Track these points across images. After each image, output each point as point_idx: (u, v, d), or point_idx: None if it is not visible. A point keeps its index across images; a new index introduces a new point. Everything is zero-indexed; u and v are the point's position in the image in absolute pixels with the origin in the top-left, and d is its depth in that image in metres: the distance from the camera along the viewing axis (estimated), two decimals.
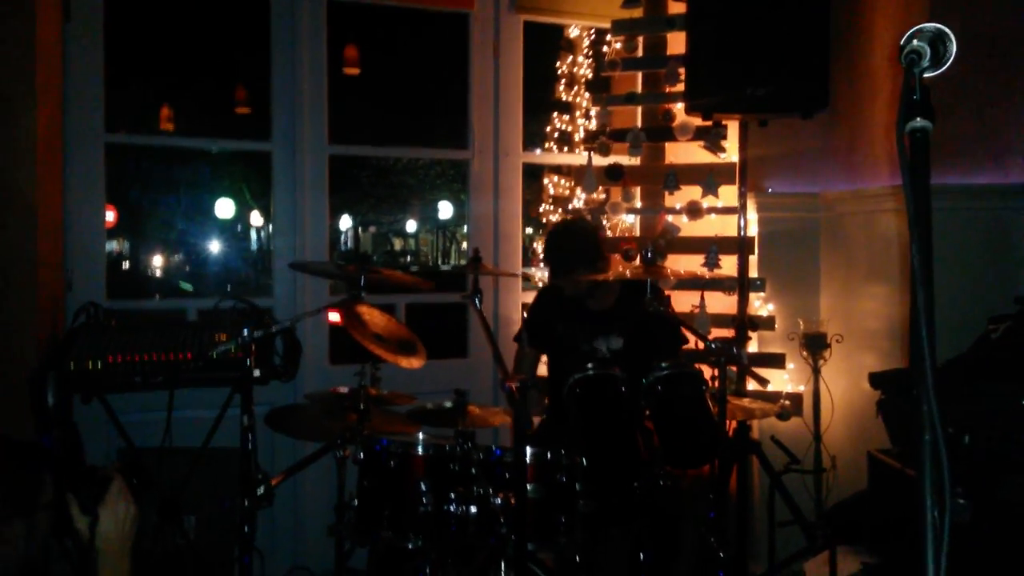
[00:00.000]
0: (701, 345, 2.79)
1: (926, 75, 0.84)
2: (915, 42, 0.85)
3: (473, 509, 2.35)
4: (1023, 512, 1.92)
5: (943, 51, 0.85)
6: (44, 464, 1.67)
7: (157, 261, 14.97)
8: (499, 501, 2.30)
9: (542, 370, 3.57)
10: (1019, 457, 1.96)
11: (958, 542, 0.83)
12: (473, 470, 2.36)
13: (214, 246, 15.61)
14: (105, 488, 1.67)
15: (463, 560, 2.41)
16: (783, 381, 3.70)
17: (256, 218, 18.48)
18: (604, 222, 4.06)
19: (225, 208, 15.37)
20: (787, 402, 3.60)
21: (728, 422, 2.69)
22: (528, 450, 2.32)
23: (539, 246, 4.56)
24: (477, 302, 2.54)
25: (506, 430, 3.84)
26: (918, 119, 0.81)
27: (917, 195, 0.77)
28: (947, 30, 0.85)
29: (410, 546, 2.42)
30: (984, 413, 2.09)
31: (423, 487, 2.39)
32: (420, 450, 2.47)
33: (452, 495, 2.36)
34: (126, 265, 13.59)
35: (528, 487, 2.32)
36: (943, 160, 3.15)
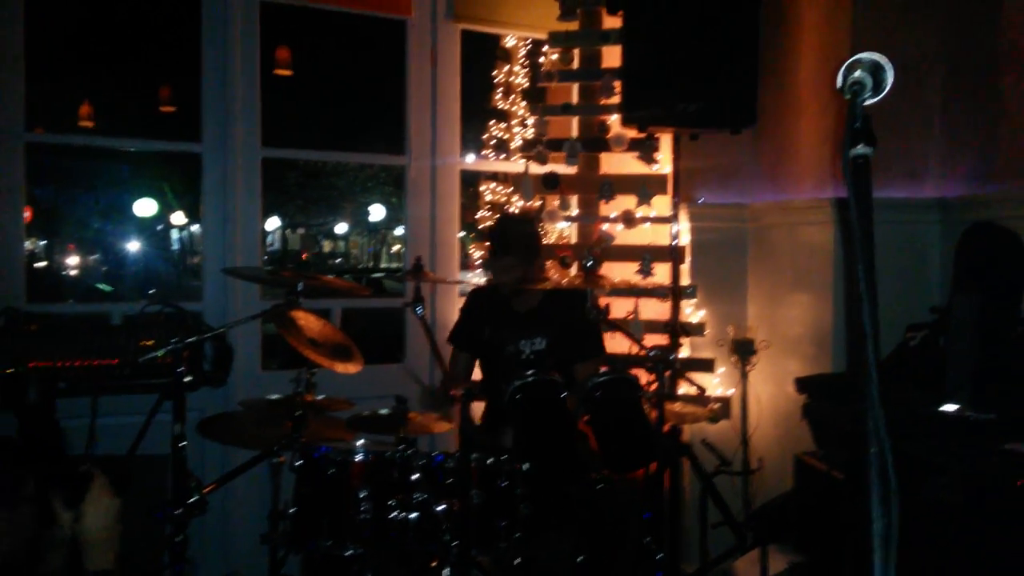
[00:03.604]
0: (637, 350, 2.86)
1: (866, 103, 0.90)
2: (857, 72, 0.90)
3: (414, 515, 2.35)
4: (944, 510, 2.03)
5: (882, 80, 0.91)
6: (25, 459, 1.78)
7: (74, 261, 14.41)
8: (442, 507, 2.31)
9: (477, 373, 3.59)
10: (938, 460, 2.08)
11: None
12: (414, 476, 2.36)
13: (134, 247, 15.13)
14: (87, 485, 1.79)
15: (404, 567, 2.41)
16: (713, 385, 3.81)
17: (179, 218, 17.98)
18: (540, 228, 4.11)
19: (146, 208, 14.90)
20: (717, 406, 3.71)
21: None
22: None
23: (476, 252, 4.58)
24: (419, 311, 2.55)
25: (441, 436, 3.85)
26: (860, 145, 0.87)
27: (861, 217, 0.82)
28: (884, 60, 0.91)
29: (348, 554, 2.40)
30: (904, 419, 2.21)
31: (363, 494, 2.38)
32: (360, 457, 2.45)
33: (392, 502, 2.35)
34: (41, 265, 13.03)
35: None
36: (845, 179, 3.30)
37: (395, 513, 2.35)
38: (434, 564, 2.41)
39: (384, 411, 2.77)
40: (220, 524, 3.70)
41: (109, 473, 1.84)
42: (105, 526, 1.79)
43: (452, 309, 4.18)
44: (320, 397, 2.82)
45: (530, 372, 2.60)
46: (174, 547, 2.39)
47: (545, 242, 4.20)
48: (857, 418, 2.54)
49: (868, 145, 0.87)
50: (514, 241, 3.23)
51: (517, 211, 4.05)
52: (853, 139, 0.87)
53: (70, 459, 2.30)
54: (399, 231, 21.52)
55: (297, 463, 2.47)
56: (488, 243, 3.32)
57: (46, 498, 1.74)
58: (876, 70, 0.90)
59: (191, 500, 2.40)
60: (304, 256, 21.43)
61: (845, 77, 0.92)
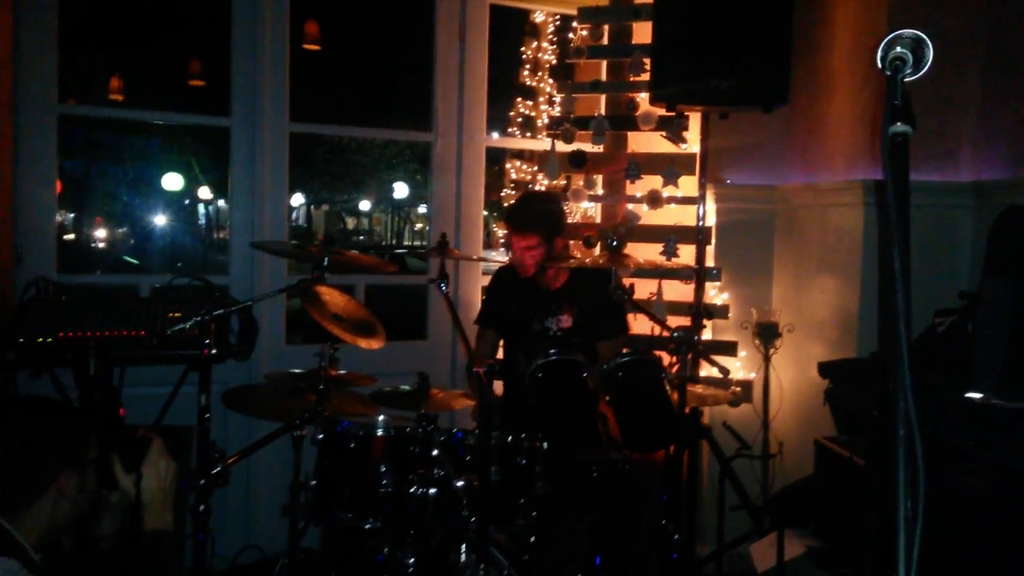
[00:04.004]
0: (660, 332, 2.84)
1: (906, 80, 0.88)
2: (898, 48, 0.88)
3: (433, 491, 2.36)
4: (969, 497, 2.01)
5: (922, 56, 0.89)
6: (89, 424, 1.84)
7: (101, 234, 14.58)
8: (461, 483, 2.32)
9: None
10: (964, 445, 2.05)
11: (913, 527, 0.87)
12: (434, 452, 2.37)
13: (161, 220, 15.28)
14: (146, 448, 1.87)
15: (422, 541, 2.43)
16: (735, 368, 3.78)
17: (205, 193, 18.12)
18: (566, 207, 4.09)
19: (173, 182, 15.03)
20: (738, 389, 3.69)
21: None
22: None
23: (500, 230, 4.57)
24: (443, 287, 2.55)
25: (461, 413, 3.87)
26: (899, 124, 0.85)
27: (898, 197, 0.81)
28: (924, 36, 0.89)
29: (368, 526, 2.43)
30: (931, 404, 2.18)
31: (383, 468, 2.40)
32: (381, 432, 2.47)
33: (412, 477, 2.37)
34: (69, 238, 13.21)
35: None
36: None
37: (415, 488, 2.36)
38: (451, 539, 2.42)
39: (406, 387, 2.79)
40: (242, 495, 3.75)
41: (166, 439, 1.91)
42: (162, 488, 1.88)
43: (475, 287, 4.19)
44: (342, 372, 2.84)
45: (552, 351, 2.60)
46: (197, 516, 2.43)
47: (570, 221, 4.18)
48: (880, 403, 2.51)
49: (907, 123, 0.85)
50: (538, 219, 3.21)
51: (541, 189, 4.02)
52: (892, 116, 0.85)
53: (128, 425, 2.39)
54: (422, 209, 21.54)
55: (319, 436, 2.49)
56: (509, 220, 3.30)
57: (107, 461, 1.84)
58: (917, 46, 0.88)
59: (214, 471, 2.43)
60: (320, 238, 21.48)
61: (886, 52, 0.89)
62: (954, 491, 1.95)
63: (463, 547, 2.35)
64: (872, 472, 2.50)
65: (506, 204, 4.51)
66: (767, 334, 3.73)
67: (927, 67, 0.89)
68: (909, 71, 0.88)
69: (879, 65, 0.91)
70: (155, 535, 1.85)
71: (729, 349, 3.76)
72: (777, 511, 3.16)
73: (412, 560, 2.38)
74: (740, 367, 3.82)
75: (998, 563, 2.00)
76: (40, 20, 3.39)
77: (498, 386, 3.34)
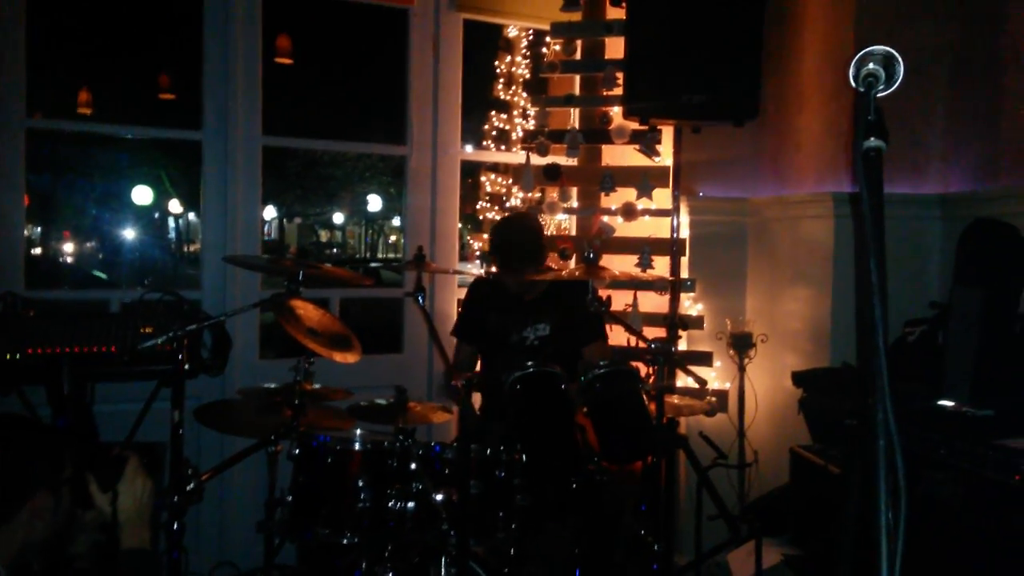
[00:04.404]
0: (637, 343, 2.86)
1: (878, 95, 0.90)
2: (871, 65, 0.90)
3: (411, 505, 2.35)
4: (941, 505, 2.05)
5: (893, 72, 0.91)
6: (63, 443, 1.81)
7: (69, 248, 14.37)
8: (440, 497, 2.31)
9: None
10: (936, 454, 2.09)
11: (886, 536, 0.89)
12: (412, 466, 2.36)
13: (130, 234, 15.09)
14: (122, 467, 1.86)
15: (401, 556, 2.41)
16: (710, 379, 3.81)
17: (175, 206, 17.94)
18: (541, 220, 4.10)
19: (143, 196, 14.86)
20: (714, 399, 3.71)
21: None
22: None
23: (475, 243, 4.57)
24: (421, 300, 2.55)
25: (440, 426, 3.85)
26: (872, 139, 0.87)
27: (873, 210, 0.82)
28: (895, 53, 0.91)
29: (345, 542, 2.40)
30: (902, 414, 2.21)
31: (361, 483, 2.38)
32: (358, 446, 2.45)
33: (391, 491, 2.35)
34: (36, 252, 12.99)
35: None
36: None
37: (393, 502, 2.35)
38: (430, 554, 2.41)
39: (382, 401, 2.77)
40: (216, 511, 3.70)
41: (142, 456, 1.89)
42: (139, 506, 1.86)
43: (451, 299, 4.19)
44: (317, 386, 2.82)
45: (530, 363, 2.60)
46: (171, 534, 2.39)
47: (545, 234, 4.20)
48: (853, 412, 2.54)
49: (880, 138, 0.87)
50: (525, 254, 3.23)
51: (519, 214, 4.02)
52: (866, 132, 0.87)
53: (103, 443, 2.35)
54: (396, 221, 21.49)
55: (295, 452, 2.47)
56: (496, 253, 3.31)
57: (82, 481, 1.82)
58: (888, 62, 0.90)
59: (188, 488, 2.39)
60: (293, 251, 21.33)
61: (858, 69, 0.91)
62: (926, 499, 1.98)
63: (443, 561, 2.33)
64: (848, 480, 2.53)
65: (481, 216, 4.51)
66: (741, 344, 3.77)
67: (898, 83, 0.91)
68: (882, 87, 0.90)
69: (852, 82, 0.93)
70: (132, 554, 1.82)
71: (704, 359, 3.79)
72: (754, 520, 3.18)
73: (391, 575, 2.36)
74: (715, 377, 3.85)
75: (969, 570, 2.04)
76: (7, 33, 3.35)
77: (476, 399, 3.34)
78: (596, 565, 2.77)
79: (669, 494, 3.12)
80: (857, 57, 0.93)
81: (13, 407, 2.87)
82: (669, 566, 2.92)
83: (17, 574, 1.73)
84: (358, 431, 2.58)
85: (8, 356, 2.71)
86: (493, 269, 3.61)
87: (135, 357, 2.86)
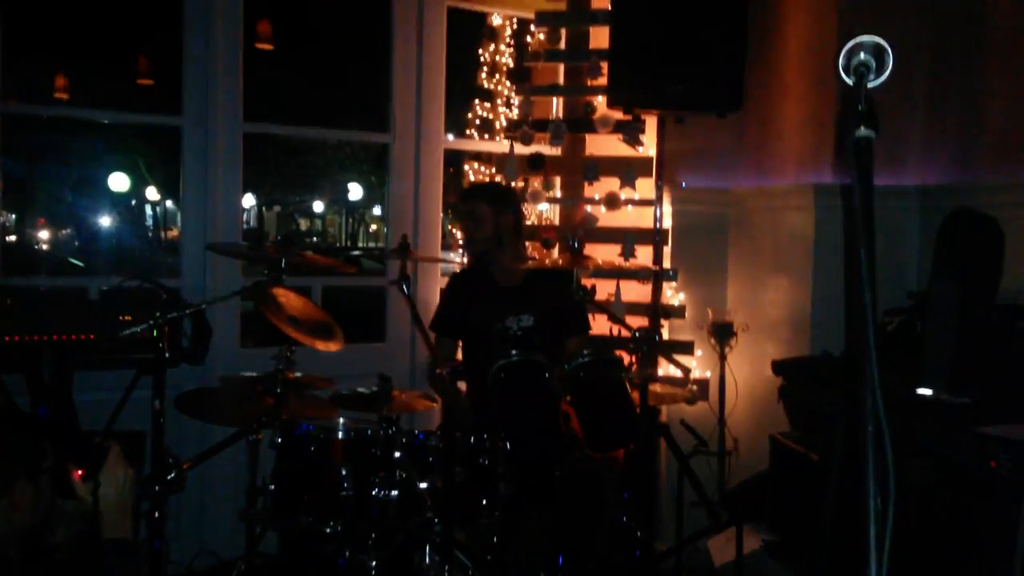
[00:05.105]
0: (620, 332, 2.87)
1: (869, 85, 0.91)
2: (862, 55, 0.91)
3: (395, 493, 2.35)
4: (919, 491, 2.08)
5: (884, 62, 0.91)
6: (43, 432, 1.82)
7: (45, 236, 14.18)
8: (424, 485, 2.31)
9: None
10: (915, 442, 2.12)
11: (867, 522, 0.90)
12: (396, 455, 2.36)
13: (107, 222, 14.92)
14: (104, 457, 1.82)
15: (384, 544, 2.41)
16: (691, 367, 3.84)
17: (153, 193, 17.74)
18: (523, 209, 4.09)
19: (120, 182, 14.68)
20: (695, 387, 3.74)
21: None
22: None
23: (457, 232, 4.56)
24: (405, 288, 2.54)
25: (423, 415, 3.85)
26: (862, 128, 0.87)
27: (864, 200, 0.83)
28: (885, 43, 0.92)
29: (328, 530, 2.40)
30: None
31: (344, 472, 2.37)
32: (342, 435, 2.44)
33: (374, 479, 2.35)
34: (12, 239, 12.81)
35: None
36: (846, 162, 3.34)
37: (376, 491, 2.34)
38: (414, 541, 2.41)
39: (365, 390, 2.77)
40: (197, 501, 3.68)
41: (123, 445, 1.88)
42: (121, 496, 1.83)
43: (434, 288, 4.18)
44: (299, 375, 2.81)
45: (514, 352, 2.60)
46: (152, 523, 2.38)
47: (528, 223, 4.20)
48: (833, 400, 2.57)
49: (870, 128, 0.88)
50: (486, 189, 3.22)
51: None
52: (857, 122, 0.87)
53: (84, 432, 2.32)
54: (377, 210, 21.37)
55: (278, 440, 2.46)
56: (459, 198, 3.31)
57: (64, 471, 1.80)
58: (878, 52, 0.91)
59: (170, 476, 2.38)
60: (272, 239, 21.15)
61: (848, 60, 0.92)
62: (904, 486, 2.00)
63: (427, 549, 2.33)
64: (827, 467, 2.56)
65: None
66: (722, 333, 3.79)
67: (888, 73, 0.92)
68: (872, 77, 0.91)
69: (842, 73, 0.93)
70: (113, 544, 1.81)
71: (685, 348, 3.82)
72: (734, 506, 3.22)
73: (374, 563, 2.36)
74: (696, 366, 3.87)
75: (947, 555, 2.07)
76: None
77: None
78: (579, 552, 2.79)
79: (650, 481, 3.15)
80: (847, 47, 0.93)
81: None
82: (650, 552, 2.95)
83: None
84: (341, 419, 2.57)
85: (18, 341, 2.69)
86: (465, 259, 3.60)
87: (115, 345, 2.83)
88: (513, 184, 4.00)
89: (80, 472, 1.81)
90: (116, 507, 1.82)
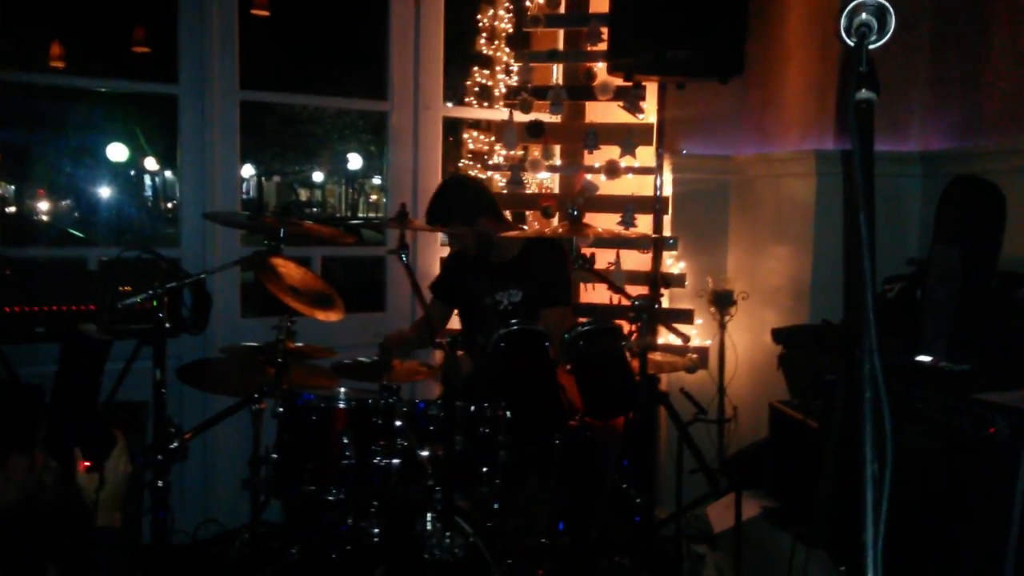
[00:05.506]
0: (620, 300, 2.87)
1: (871, 47, 0.89)
2: (863, 16, 0.89)
3: (396, 461, 2.36)
4: (918, 457, 2.09)
5: (885, 23, 0.90)
6: (38, 402, 1.79)
7: (44, 207, 14.14)
8: (425, 453, 2.33)
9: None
10: (914, 408, 2.12)
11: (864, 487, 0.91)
12: (397, 423, 2.37)
13: (106, 192, 14.87)
14: (110, 447, 1.85)
15: (385, 511, 2.43)
16: (691, 336, 3.84)
17: (151, 163, 17.65)
18: (522, 178, 4.07)
19: (118, 152, 14.60)
20: (695, 356, 3.75)
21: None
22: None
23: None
24: (404, 257, 2.53)
25: (423, 383, 3.87)
26: (863, 90, 0.86)
27: (864, 164, 0.82)
28: (887, 4, 0.90)
29: (331, 498, 2.42)
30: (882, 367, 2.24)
31: (346, 440, 2.39)
32: (343, 404, 2.45)
33: (376, 448, 2.37)
34: (12, 210, 12.78)
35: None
36: (846, 126, 3.31)
37: (378, 459, 2.36)
38: (416, 509, 2.43)
39: (366, 359, 2.77)
40: (200, 470, 3.71)
41: (121, 422, 1.89)
42: (116, 490, 1.86)
43: (434, 257, 4.17)
44: (300, 344, 2.81)
45: (514, 321, 2.60)
46: (156, 492, 2.39)
47: (527, 192, 4.18)
48: (832, 368, 2.57)
49: (872, 90, 0.87)
50: (445, 211, 3.22)
51: (453, 174, 3.99)
52: (857, 83, 0.86)
53: (99, 416, 2.29)
54: (377, 180, 21.28)
55: (280, 409, 2.47)
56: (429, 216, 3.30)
57: (69, 458, 1.80)
58: (880, 13, 0.89)
59: (172, 446, 2.39)
60: (271, 209, 21.05)
61: (850, 20, 0.90)
62: (903, 452, 2.01)
63: (428, 516, 2.35)
64: (826, 435, 2.57)
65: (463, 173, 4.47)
66: (722, 302, 3.79)
67: (889, 34, 0.90)
68: (874, 38, 0.89)
69: (843, 34, 0.92)
70: (102, 531, 1.82)
71: (685, 317, 3.82)
72: (734, 473, 3.24)
73: (376, 530, 2.39)
74: (696, 334, 3.88)
75: (944, 521, 2.09)
76: None
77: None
78: (579, 518, 2.81)
79: (650, 449, 3.17)
80: (849, 8, 0.92)
81: None
82: (650, 519, 2.97)
83: None
84: (342, 389, 2.58)
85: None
86: None
87: (115, 316, 2.83)
88: (512, 152, 3.97)
89: (86, 464, 1.81)
90: (110, 500, 1.84)
